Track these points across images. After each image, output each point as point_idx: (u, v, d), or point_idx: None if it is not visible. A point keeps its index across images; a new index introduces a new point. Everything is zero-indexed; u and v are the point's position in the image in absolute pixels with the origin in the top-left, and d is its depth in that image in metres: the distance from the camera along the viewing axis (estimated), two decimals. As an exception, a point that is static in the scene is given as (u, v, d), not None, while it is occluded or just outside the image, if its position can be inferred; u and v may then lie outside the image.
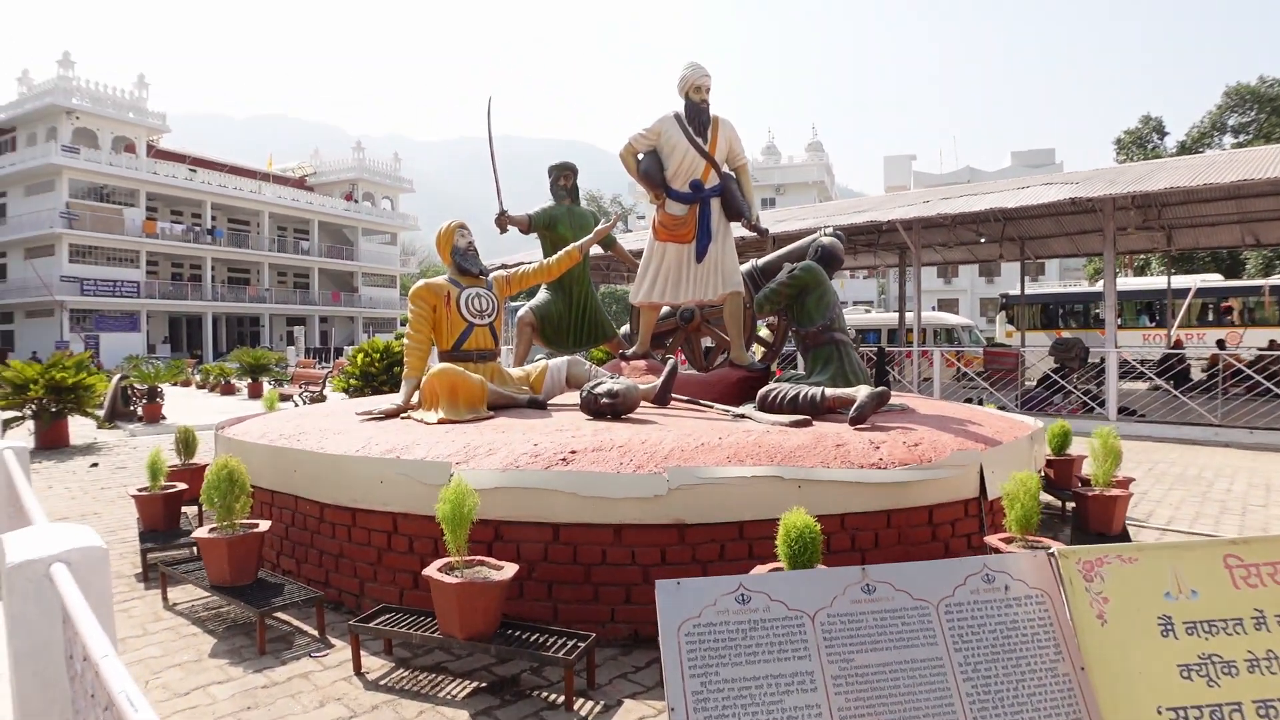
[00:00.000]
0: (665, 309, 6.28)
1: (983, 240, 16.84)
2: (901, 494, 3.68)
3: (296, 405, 15.05)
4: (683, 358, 6.83)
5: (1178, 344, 17.53)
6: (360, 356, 11.68)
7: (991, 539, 3.56)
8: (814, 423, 4.32)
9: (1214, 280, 22.63)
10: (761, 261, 6.36)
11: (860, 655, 1.95)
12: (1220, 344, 17.06)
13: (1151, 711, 2.16)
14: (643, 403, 4.81)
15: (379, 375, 11.42)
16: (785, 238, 13.21)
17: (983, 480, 4.02)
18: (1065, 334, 21.51)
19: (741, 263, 6.08)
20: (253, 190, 48.39)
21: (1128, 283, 22.20)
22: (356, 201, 56.11)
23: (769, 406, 4.66)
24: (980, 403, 12.11)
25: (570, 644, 3.01)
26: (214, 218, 47.49)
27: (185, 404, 17.79)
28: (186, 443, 5.94)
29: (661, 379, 4.86)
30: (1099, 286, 23.56)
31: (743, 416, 4.59)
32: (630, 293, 5.83)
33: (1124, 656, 2.20)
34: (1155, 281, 22.95)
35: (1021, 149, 60.10)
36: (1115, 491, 4.84)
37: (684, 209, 5.43)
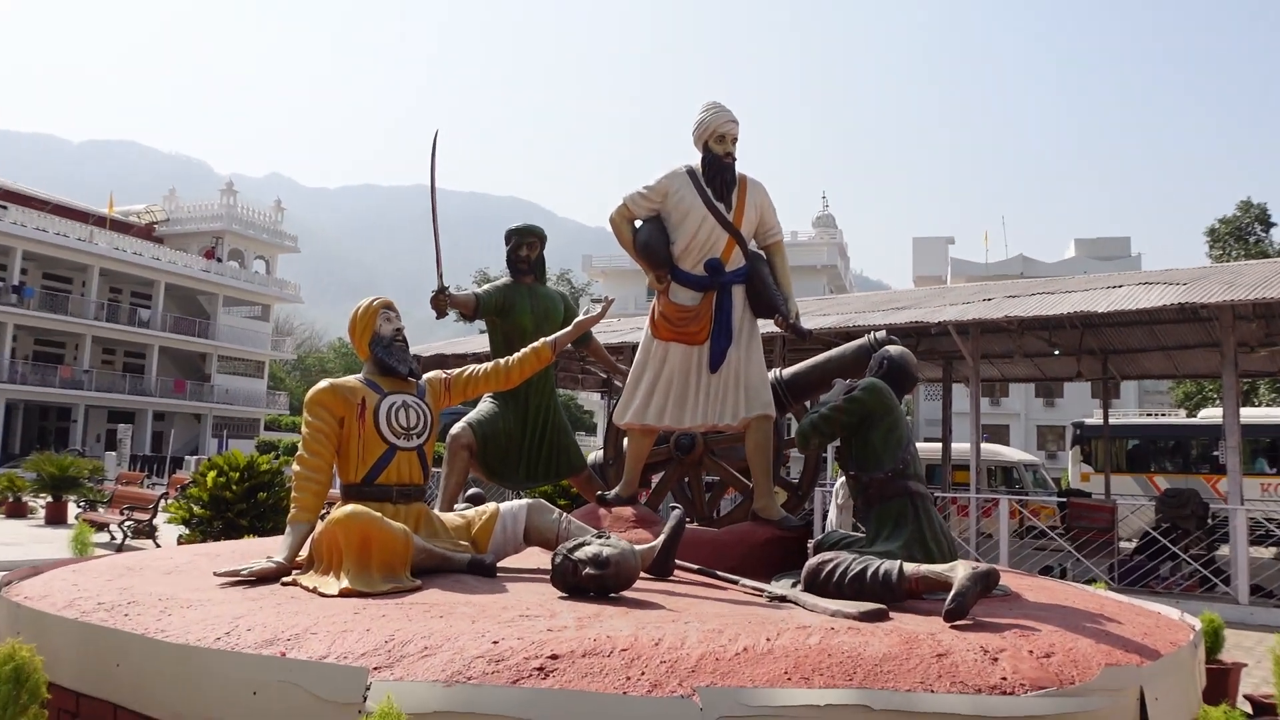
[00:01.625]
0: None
1: (1056, 352, 17.00)
2: (1036, 733, 3.31)
3: (115, 540, 14.35)
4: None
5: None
6: (212, 475, 11.26)
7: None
8: (890, 615, 4.03)
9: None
10: (789, 372, 6.23)
11: None
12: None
13: None
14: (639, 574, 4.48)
15: (237, 504, 10.99)
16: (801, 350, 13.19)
17: (1144, 712, 3.69)
18: (1160, 479, 21.64)
19: None
20: (81, 238, 47.94)
21: (1242, 414, 22.57)
22: (220, 260, 55.89)
23: (823, 586, 4.38)
24: (1065, 574, 11.89)
25: None
26: (24, 270, 46.79)
27: (-44, 529, 16.87)
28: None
29: (663, 538, 4.58)
30: (1203, 418, 23.92)
31: (785, 600, 4.32)
32: (615, 410, 5.63)
33: None
34: (1276, 413, 23.36)
35: (1087, 235, 62.39)
36: (1309, 726, 4.55)
37: (696, 298, 5.34)
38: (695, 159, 5.40)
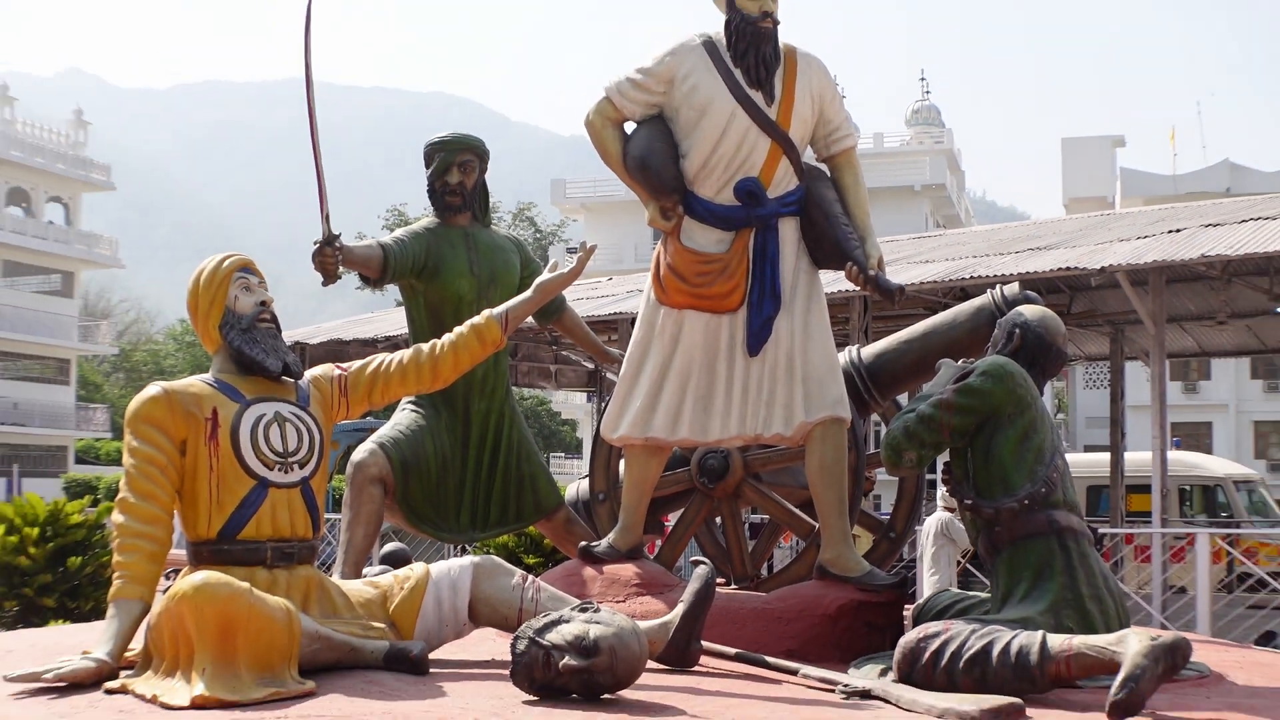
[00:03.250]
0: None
1: (1279, 310, 16.62)
2: None
3: None
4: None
5: None
6: (0, 531, 10.95)
7: None
8: (1028, 712, 3.95)
9: None
10: (868, 351, 6.11)
11: None
12: None
13: None
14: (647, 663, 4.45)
15: (37, 574, 10.93)
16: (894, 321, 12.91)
17: None
18: None
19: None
20: None
21: None
22: (-4, 207, 55.54)
23: (928, 673, 4.24)
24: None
25: None
26: None
27: None
28: None
29: (682, 609, 4.44)
30: None
31: (869, 695, 4.20)
32: (604, 418, 5.49)
33: None
34: None
35: (1317, 139, 62.35)
36: None
37: (724, 240, 5.17)
38: (716, 24, 5.23)
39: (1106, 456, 19.64)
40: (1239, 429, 53.19)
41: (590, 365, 20.98)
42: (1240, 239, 12.81)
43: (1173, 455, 18.15)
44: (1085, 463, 20.88)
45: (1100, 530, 6.56)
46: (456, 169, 6.21)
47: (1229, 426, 53.38)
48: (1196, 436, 49.99)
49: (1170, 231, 14.33)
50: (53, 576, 10.67)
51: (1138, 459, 19.29)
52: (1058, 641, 4.19)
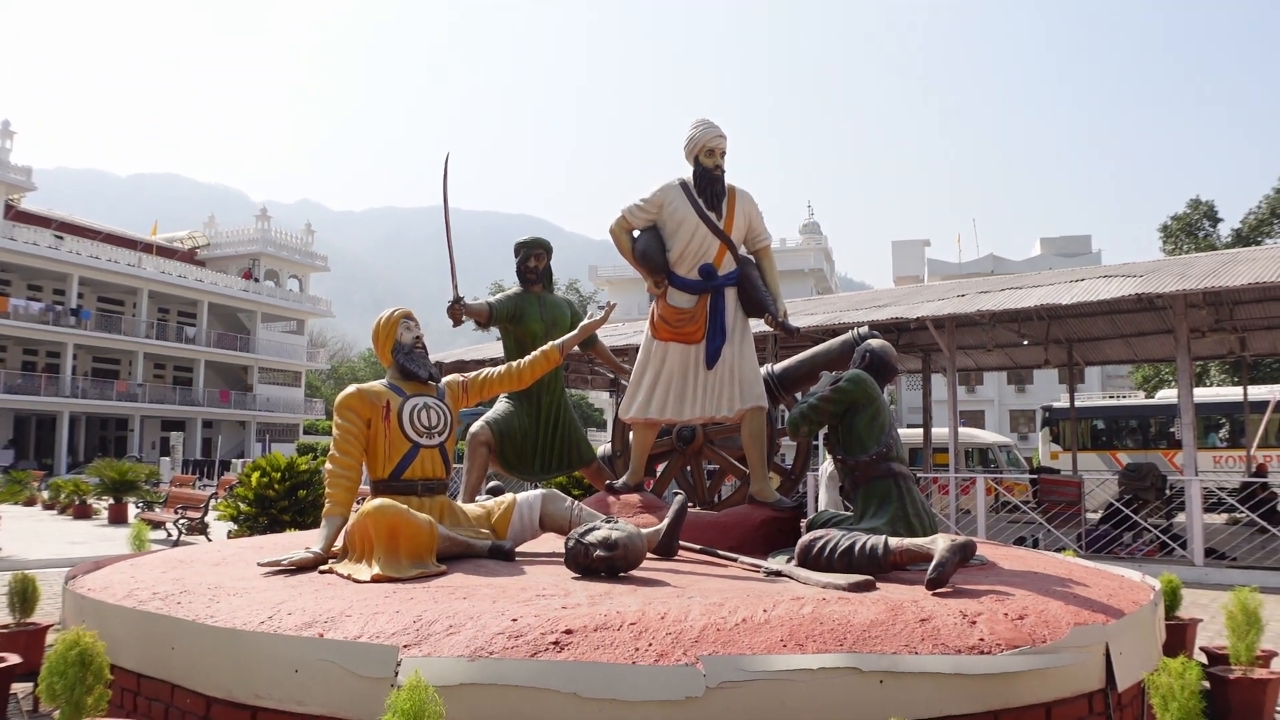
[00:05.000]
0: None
1: (1025, 342, 16.96)
2: (1012, 688, 3.32)
3: (170, 536, 14.35)
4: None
5: (1260, 469, 17.52)
6: (256, 475, 11.23)
7: (1142, 757, 3.18)
8: (877, 585, 4.00)
9: (1295, 391, 22.99)
10: (779, 367, 6.22)
11: None
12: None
13: None
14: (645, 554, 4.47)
15: (279, 501, 10.98)
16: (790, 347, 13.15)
17: (1109, 666, 3.66)
18: (1122, 455, 21.53)
19: None
20: (130, 263, 47.95)
21: (1195, 394, 22.48)
22: (257, 280, 55.89)
23: (815, 561, 4.35)
24: (1036, 544, 11.84)
25: None
26: (81, 295, 46.83)
27: (28, 529, 16.90)
28: (24, 595, 5.42)
29: (667, 521, 4.55)
30: (1160, 399, 23.85)
31: (780, 575, 4.28)
32: (620, 406, 5.60)
33: None
34: (1227, 393, 23.25)
35: (1052, 234, 62.17)
36: (1262, 673, 4.51)
37: (691, 300, 5.31)
38: (687, 172, 5.37)
39: (920, 431, 20.04)
40: (1000, 415, 53.13)
41: (611, 375, 21.13)
42: (1000, 301, 12.98)
43: (961, 430, 18.19)
44: (908, 435, 20.95)
45: (917, 475, 6.81)
46: (534, 258, 6.37)
47: (995, 413, 53.18)
48: (975, 419, 50.26)
49: (958, 295, 14.48)
50: (288, 503, 10.84)
51: (940, 433, 19.48)
52: (895, 542, 4.29)
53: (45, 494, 24.42)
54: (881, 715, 3.00)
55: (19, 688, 5.13)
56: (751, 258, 5.49)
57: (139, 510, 18.85)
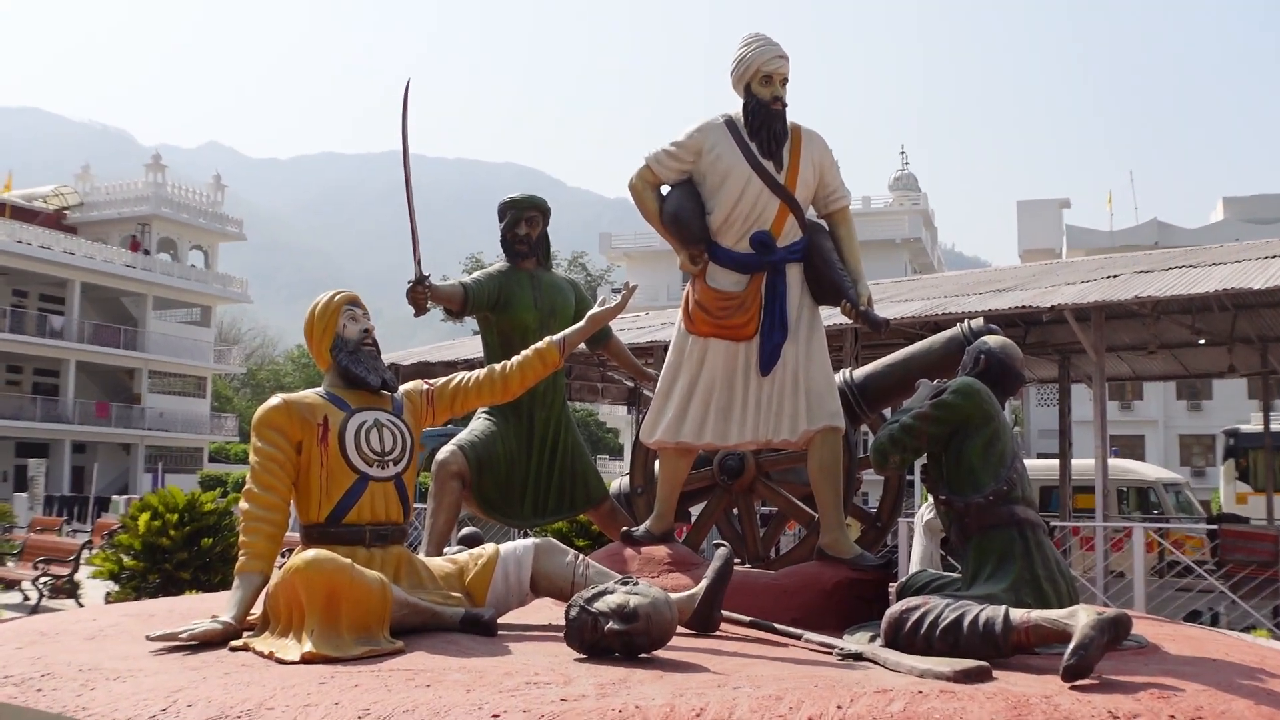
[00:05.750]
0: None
1: (1201, 342, 16.86)
2: (1181, 827, 3.31)
3: (28, 600, 14.50)
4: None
5: None
6: (145, 518, 11.35)
7: None
8: (994, 674, 3.99)
9: None
10: (860, 373, 6.26)
11: None
12: None
13: None
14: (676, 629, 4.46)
15: (176, 553, 11.07)
16: (878, 348, 13.12)
17: (1316, 794, 3.67)
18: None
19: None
20: (-29, 229, 48.41)
21: None
22: (148, 253, 56.38)
23: (908, 640, 4.37)
24: (1216, 620, 11.79)
25: None
26: (-94, 271, 47.36)
27: None
28: None
29: (706, 583, 4.56)
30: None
31: (860, 658, 4.29)
32: (643, 426, 5.64)
33: None
34: None
35: (1239, 194, 61.78)
36: None
37: (741, 281, 5.35)
38: (735, 107, 5.40)
39: (1056, 462, 19.75)
40: (1167, 441, 52.98)
41: (630, 384, 20.97)
42: (1167, 283, 12.97)
43: (1112, 462, 17.95)
44: (1039, 468, 20.71)
45: (1052, 524, 6.78)
46: (524, 223, 6.40)
47: (1159, 439, 53.04)
48: (1131, 447, 49.71)
49: (1108, 277, 14.44)
50: (188, 554, 10.88)
51: (1082, 465, 19.31)
52: (1019, 614, 4.25)
53: None
54: None
55: None
56: (823, 223, 5.54)
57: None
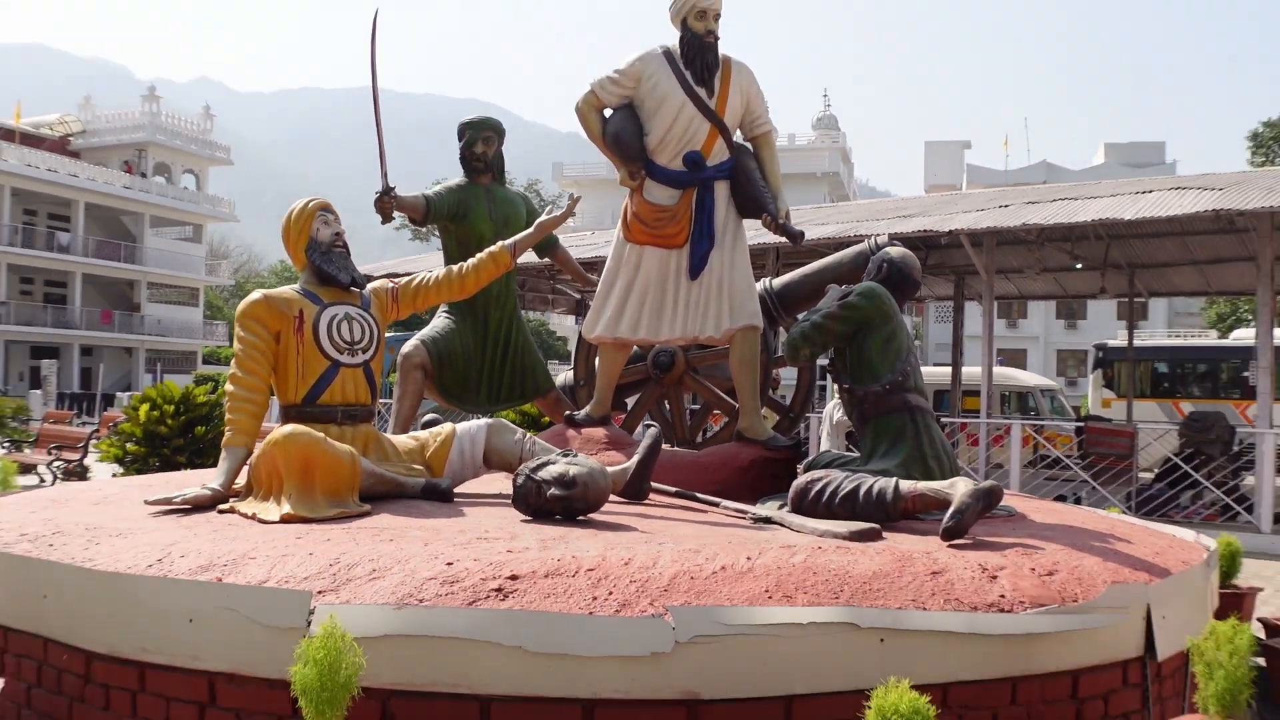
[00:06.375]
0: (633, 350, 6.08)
1: (1078, 266, 17.08)
2: (1034, 652, 3.45)
3: (43, 482, 14.35)
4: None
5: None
6: (145, 409, 11.21)
7: (1182, 727, 3.33)
8: (884, 534, 4.11)
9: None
10: (779, 282, 6.29)
11: None
12: None
13: None
14: (609, 497, 4.53)
15: (173, 439, 10.98)
16: (795, 259, 13.17)
17: (1150, 631, 3.81)
18: (1186, 405, 21.85)
19: None
20: (-13, 153, 47.12)
21: (1277, 335, 22.70)
22: (144, 176, 55.15)
23: (812, 507, 4.44)
24: (1079, 503, 12.08)
25: None
26: (-77, 192, 46.11)
27: None
28: None
29: (637, 457, 4.61)
30: (1235, 339, 24.16)
31: (770, 522, 4.37)
32: (585, 321, 5.65)
33: None
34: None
35: (1119, 141, 62.21)
36: (1330, 649, 4.69)
37: (674, 196, 5.32)
38: (673, 40, 5.34)
39: (949, 370, 20.12)
40: (1046, 354, 53.70)
41: (577, 296, 21.11)
42: (1051, 213, 12.99)
43: (997, 370, 18.11)
44: (934, 374, 20.99)
45: (942, 421, 6.86)
46: (481, 142, 6.32)
47: (1039, 352, 53.73)
48: (1015, 358, 50.10)
49: (1000, 207, 14.42)
50: (184, 441, 10.78)
51: (971, 372, 19.70)
52: (907, 485, 4.34)
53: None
54: (880, 678, 3.10)
55: None
56: (749, 146, 5.50)
57: (5, 450, 18.81)
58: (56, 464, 14.66)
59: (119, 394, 39.59)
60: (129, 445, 11.20)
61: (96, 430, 17.97)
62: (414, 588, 3.25)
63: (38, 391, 36.72)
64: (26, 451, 17.40)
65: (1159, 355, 24.00)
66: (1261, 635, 4.92)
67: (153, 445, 10.89)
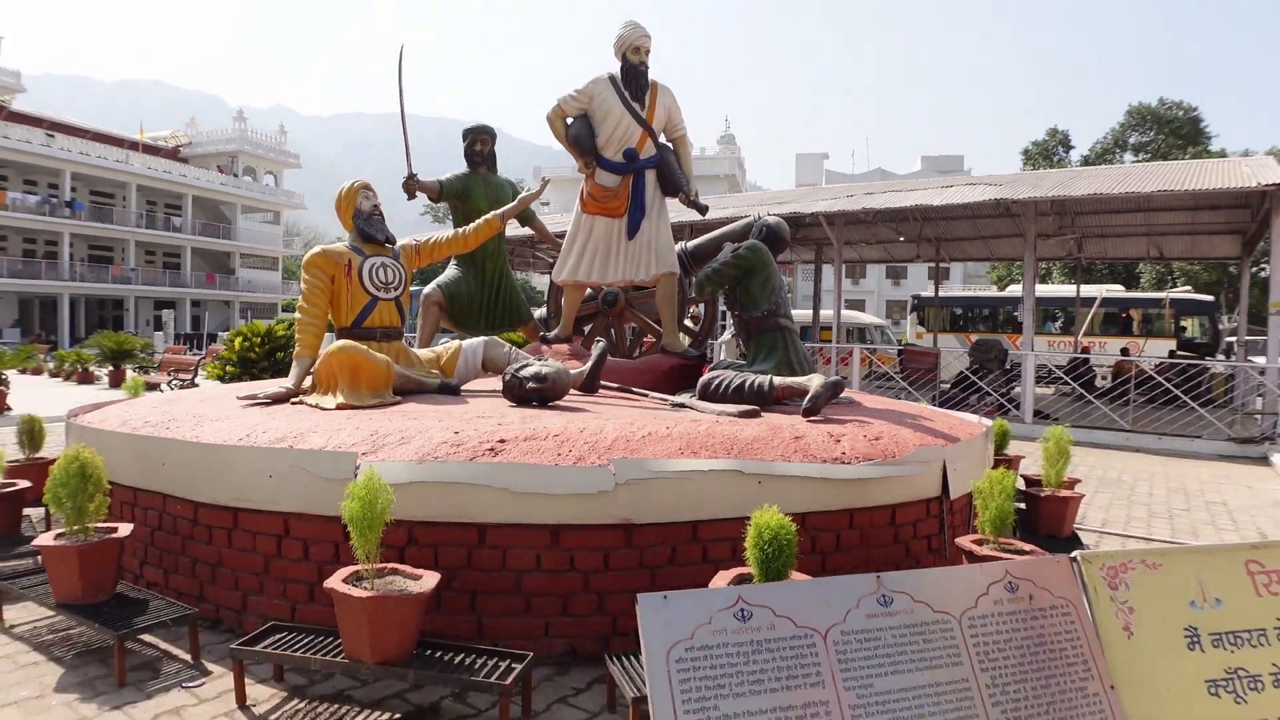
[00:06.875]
0: (587, 292, 6.00)
1: (901, 239, 17.21)
2: (865, 491, 3.50)
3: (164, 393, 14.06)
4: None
5: (1085, 351, 18.32)
6: (238, 340, 10.93)
7: (963, 541, 3.40)
8: (763, 414, 4.13)
9: (1117, 291, 23.86)
10: (691, 244, 6.20)
11: (880, 679, 1.68)
12: (1124, 352, 17.92)
13: (1183, 735, 1.99)
14: (570, 390, 4.53)
15: (259, 361, 10.70)
16: (702, 228, 13.09)
17: (945, 479, 3.88)
18: (975, 337, 22.18)
19: None
20: (119, 160, 45.31)
21: (1037, 290, 23.11)
22: (236, 175, 53.47)
23: (712, 395, 4.44)
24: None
25: (504, 665, 2.65)
26: (74, 189, 44.23)
27: (35, 394, 16.32)
28: (31, 433, 5.31)
29: (590, 363, 4.58)
30: (1009, 292, 24.54)
31: (684, 406, 4.36)
32: (553, 270, 5.54)
33: (1152, 672, 2.03)
34: (1062, 289, 24.01)
35: (932, 154, 62.46)
36: (1066, 493, 4.82)
37: (616, 180, 5.23)
38: (616, 67, 5.24)
39: (810, 313, 20.34)
40: (879, 303, 53.97)
41: (550, 261, 20.86)
42: (883, 201, 13.05)
43: (844, 313, 18.68)
44: (800, 315, 21.10)
45: (806, 345, 6.87)
46: (479, 142, 6.18)
47: (874, 301, 53.92)
48: (857, 306, 50.83)
49: (847, 196, 14.56)
50: (268, 364, 10.52)
51: (826, 315, 19.96)
52: (779, 381, 4.37)
53: (50, 364, 23.56)
54: (759, 508, 3.14)
55: (30, 512, 5.10)
56: (670, 145, 5.41)
57: (136, 372, 18.36)
58: (174, 382, 14.34)
59: (220, 334, 38.69)
60: (228, 368, 10.96)
61: (203, 358, 17.60)
62: (431, 449, 3.23)
63: (160, 334, 35.76)
64: (152, 374, 17.00)
65: (957, 303, 24.33)
66: (1023, 486, 5.03)
67: (245, 367, 10.65)
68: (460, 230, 5.01)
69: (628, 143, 5.17)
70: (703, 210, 5.40)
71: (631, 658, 2.70)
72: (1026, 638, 1.87)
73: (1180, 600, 2.12)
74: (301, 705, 2.79)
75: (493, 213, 5.05)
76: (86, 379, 19.92)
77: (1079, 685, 1.88)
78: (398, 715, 2.72)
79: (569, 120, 5.26)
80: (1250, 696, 2.09)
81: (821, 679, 1.63)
